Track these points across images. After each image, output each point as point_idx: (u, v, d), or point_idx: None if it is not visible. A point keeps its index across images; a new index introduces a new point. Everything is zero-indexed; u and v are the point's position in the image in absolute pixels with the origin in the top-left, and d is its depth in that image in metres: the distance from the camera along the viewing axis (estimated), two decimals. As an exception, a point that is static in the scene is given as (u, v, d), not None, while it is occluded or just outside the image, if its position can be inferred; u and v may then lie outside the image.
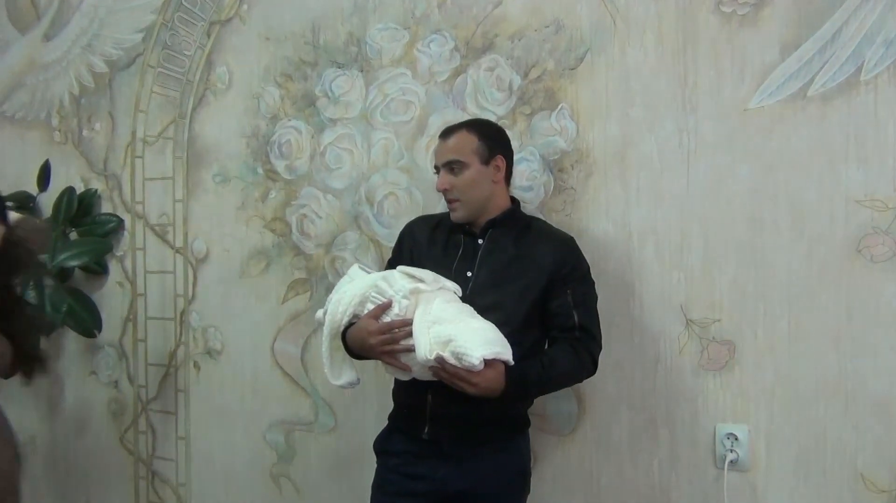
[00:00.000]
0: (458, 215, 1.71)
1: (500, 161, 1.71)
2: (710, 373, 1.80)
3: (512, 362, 1.53)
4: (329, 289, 1.76)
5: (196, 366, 2.39)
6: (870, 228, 1.66)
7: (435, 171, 1.75)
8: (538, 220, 1.81)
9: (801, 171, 1.71)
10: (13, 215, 1.79)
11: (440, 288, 1.61)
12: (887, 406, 1.65)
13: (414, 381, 1.62)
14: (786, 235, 1.72)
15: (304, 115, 2.22)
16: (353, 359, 1.71)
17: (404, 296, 1.59)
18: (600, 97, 1.88)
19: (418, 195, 2.08)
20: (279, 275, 2.26)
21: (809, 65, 1.69)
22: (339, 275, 1.92)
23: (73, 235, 2.50)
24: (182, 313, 2.40)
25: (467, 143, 1.69)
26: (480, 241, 1.71)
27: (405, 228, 1.83)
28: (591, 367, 1.68)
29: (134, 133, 2.46)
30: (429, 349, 1.50)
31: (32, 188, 2.57)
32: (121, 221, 2.48)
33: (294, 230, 2.24)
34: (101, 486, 2.49)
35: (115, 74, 2.49)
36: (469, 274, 1.67)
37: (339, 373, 1.71)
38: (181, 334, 2.41)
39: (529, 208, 1.91)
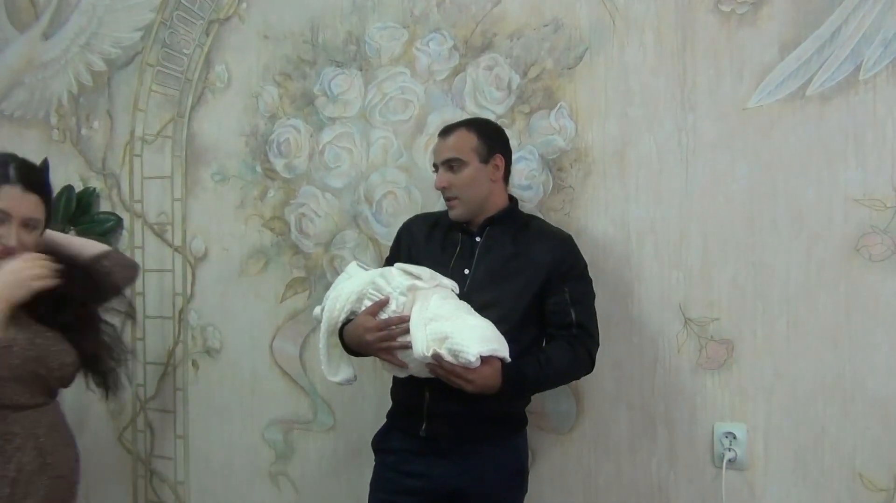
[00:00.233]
0: (456, 213, 1.71)
1: (498, 160, 1.71)
2: (709, 372, 1.80)
3: (509, 359, 1.53)
4: (328, 288, 1.76)
5: (195, 364, 2.39)
6: (868, 227, 1.66)
7: (434, 169, 1.75)
8: (536, 218, 1.81)
9: (799, 170, 1.71)
10: (104, 246, 1.84)
11: (437, 285, 1.61)
12: (885, 404, 1.65)
13: (411, 379, 1.62)
14: (784, 234, 1.72)
15: (303, 113, 2.22)
16: (351, 356, 1.71)
17: (401, 293, 1.59)
18: (599, 96, 1.88)
19: (417, 194, 2.08)
20: (278, 274, 2.26)
21: (808, 64, 1.70)
22: (337, 273, 1.92)
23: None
24: (181, 312, 2.40)
25: (466, 142, 1.69)
26: (478, 239, 1.71)
27: (403, 226, 1.84)
28: (588, 365, 1.68)
29: (133, 132, 2.46)
30: (426, 346, 1.50)
31: (31, 187, 2.56)
32: (119, 220, 2.48)
33: (293, 229, 2.24)
34: (99, 485, 2.48)
35: (114, 73, 2.49)
36: (466, 271, 1.68)
37: (337, 369, 1.71)
38: (180, 333, 2.41)
39: (528, 207, 1.91)
